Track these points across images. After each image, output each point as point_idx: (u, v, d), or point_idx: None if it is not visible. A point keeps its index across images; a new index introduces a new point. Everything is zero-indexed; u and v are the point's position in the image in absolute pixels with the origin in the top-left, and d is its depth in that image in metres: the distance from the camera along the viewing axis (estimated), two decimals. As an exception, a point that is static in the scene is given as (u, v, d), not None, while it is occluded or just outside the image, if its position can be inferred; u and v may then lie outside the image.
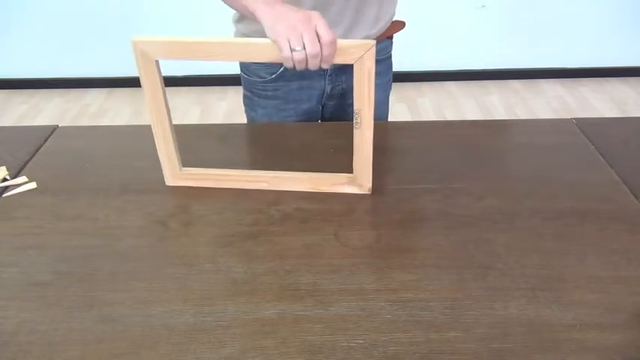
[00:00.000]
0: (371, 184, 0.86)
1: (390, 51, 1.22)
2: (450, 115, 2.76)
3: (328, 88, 1.14)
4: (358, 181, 0.85)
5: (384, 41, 1.16)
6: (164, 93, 0.82)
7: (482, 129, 1.07)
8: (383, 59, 1.18)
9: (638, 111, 2.79)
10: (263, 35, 0.85)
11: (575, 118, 1.12)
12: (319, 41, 0.75)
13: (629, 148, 1.01)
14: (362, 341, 0.64)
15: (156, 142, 0.86)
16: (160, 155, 0.87)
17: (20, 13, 2.89)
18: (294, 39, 0.75)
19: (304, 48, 0.75)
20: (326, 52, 0.75)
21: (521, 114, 2.76)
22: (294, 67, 0.78)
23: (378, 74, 1.16)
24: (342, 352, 0.63)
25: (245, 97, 1.21)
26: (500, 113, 2.79)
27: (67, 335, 0.65)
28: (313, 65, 0.77)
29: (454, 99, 2.90)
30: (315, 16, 0.76)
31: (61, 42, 2.96)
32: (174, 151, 0.87)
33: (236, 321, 0.67)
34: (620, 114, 2.74)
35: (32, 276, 0.74)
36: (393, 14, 1.14)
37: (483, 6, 2.70)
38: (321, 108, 1.20)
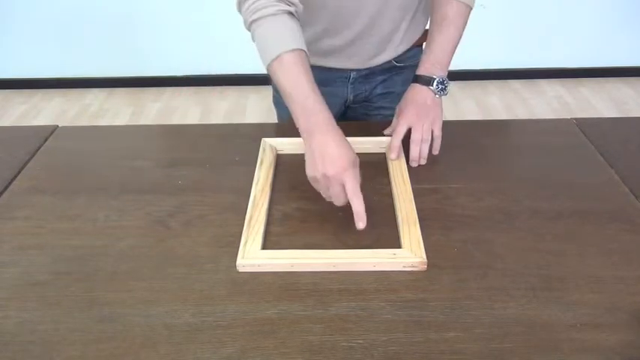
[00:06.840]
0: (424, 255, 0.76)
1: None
2: (450, 115, 2.75)
3: (351, 96, 1.16)
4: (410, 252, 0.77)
5: (415, 49, 1.13)
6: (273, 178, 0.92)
7: (482, 129, 1.07)
8: (412, 66, 1.11)
9: (638, 111, 2.79)
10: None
11: (575, 118, 1.11)
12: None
13: (629, 148, 1.01)
14: (362, 341, 0.64)
15: (245, 222, 0.81)
16: (242, 237, 0.79)
17: (20, 14, 2.89)
18: (320, 190, 0.79)
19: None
20: (352, 204, 0.75)
21: (521, 114, 2.76)
22: None
23: (405, 82, 1.15)
24: (342, 352, 0.62)
25: (274, 96, 1.23)
26: (500, 113, 2.79)
27: (67, 335, 0.65)
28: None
29: (454, 99, 2.90)
30: (346, 172, 0.75)
31: (61, 42, 2.96)
32: (260, 236, 0.79)
33: (236, 321, 0.67)
34: (620, 114, 2.74)
35: (32, 276, 0.74)
36: (424, 27, 1.12)
37: (483, 6, 2.70)
38: (344, 109, 1.20)
